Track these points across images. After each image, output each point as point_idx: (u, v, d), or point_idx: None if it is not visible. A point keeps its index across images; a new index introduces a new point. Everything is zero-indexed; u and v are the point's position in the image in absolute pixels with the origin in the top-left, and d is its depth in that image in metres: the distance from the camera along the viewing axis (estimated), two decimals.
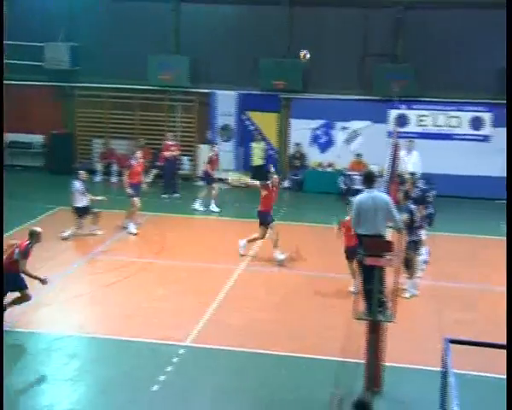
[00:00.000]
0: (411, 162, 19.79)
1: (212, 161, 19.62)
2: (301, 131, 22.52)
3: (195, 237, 16.87)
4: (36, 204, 18.55)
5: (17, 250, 11.25)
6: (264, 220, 15.12)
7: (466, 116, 21.71)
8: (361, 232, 9.34)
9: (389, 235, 9.70)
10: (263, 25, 22.59)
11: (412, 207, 12.93)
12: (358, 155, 21.45)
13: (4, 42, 21.76)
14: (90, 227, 16.35)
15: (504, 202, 20.38)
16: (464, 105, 21.69)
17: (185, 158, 22.98)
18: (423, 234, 13.42)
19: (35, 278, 11.44)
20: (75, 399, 9.47)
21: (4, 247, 11.34)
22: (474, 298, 13.18)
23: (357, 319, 9.92)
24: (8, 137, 22.84)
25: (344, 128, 22.39)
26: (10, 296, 11.43)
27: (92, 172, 21.57)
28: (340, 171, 21.81)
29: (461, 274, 14.48)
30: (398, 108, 21.55)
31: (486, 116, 21.50)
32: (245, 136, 22.99)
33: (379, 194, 9.49)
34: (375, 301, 9.06)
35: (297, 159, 22.53)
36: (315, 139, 22.61)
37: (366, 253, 8.97)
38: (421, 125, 21.91)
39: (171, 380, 9.83)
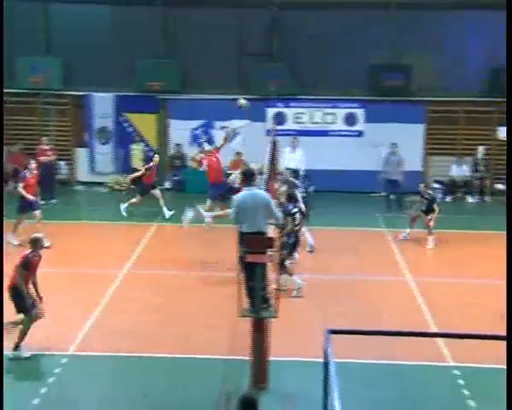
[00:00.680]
0: (295, 159, 20.20)
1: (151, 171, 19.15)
2: (181, 131, 22.42)
3: (76, 243, 16.38)
4: None
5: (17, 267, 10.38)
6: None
7: (341, 113, 22.39)
8: (242, 230, 9.39)
9: (270, 232, 9.83)
10: (138, 25, 22.34)
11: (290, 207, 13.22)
12: (238, 154, 21.60)
13: None
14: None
15: (378, 194, 21.38)
16: (339, 102, 22.36)
17: (62, 162, 22.29)
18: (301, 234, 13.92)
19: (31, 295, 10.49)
20: None
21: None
22: (353, 289, 13.58)
23: (242, 316, 10.01)
24: None
25: (223, 127, 22.48)
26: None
27: None
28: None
29: (342, 266, 14.89)
30: (276, 107, 21.89)
31: (359, 112, 22.27)
32: (124, 138, 22.62)
33: (258, 191, 9.58)
34: (258, 298, 9.14)
35: (177, 159, 22.41)
36: (195, 139, 22.58)
37: (248, 250, 9.04)
38: (298, 123, 22.39)
39: (53, 392, 9.51)
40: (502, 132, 22.22)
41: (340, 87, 22.21)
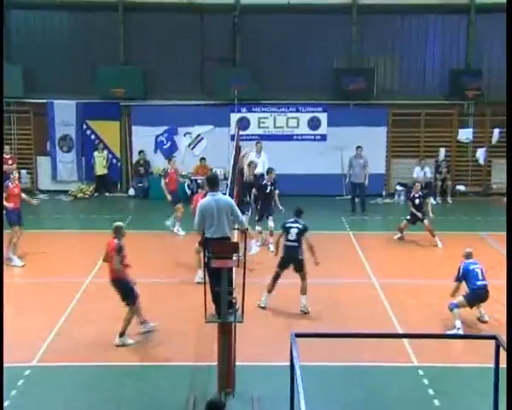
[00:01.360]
0: (260, 163, 20.22)
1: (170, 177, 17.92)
2: (144, 138, 22.30)
3: (39, 253, 16.15)
4: None
5: (113, 255, 11.20)
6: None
7: (304, 117, 22.50)
8: (207, 236, 9.36)
9: (235, 236, 9.82)
10: (99, 32, 22.20)
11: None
12: (202, 160, 21.58)
13: None
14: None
15: (342, 197, 21.51)
16: (302, 106, 22.47)
17: (23, 171, 21.97)
18: None
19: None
20: None
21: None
22: (318, 292, 13.61)
23: (208, 321, 9.97)
24: None
25: (187, 133, 22.44)
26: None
27: None
28: (185, 176, 21.79)
29: (307, 270, 14.92)
30: (240, 112, 21.91)
31: (322, 116, 22.40)
32: (86, 145, 22.43)
33: (222, 196, 9.55)
34: (224, 303, 9.11)
35: (141, 166, 22.29)
36: (159, 146, 22.48)
37: (213, 255, 9.01)
38: (262, 128, 22.44)
39: (16, 404, 9.33)
40: (462, 134, 22.58)
41: (303, 91, 22.35)
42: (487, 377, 7.27)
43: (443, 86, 22.66)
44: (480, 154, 22.53)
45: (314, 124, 22.51)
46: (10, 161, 20.29)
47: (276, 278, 12.56)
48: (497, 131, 21.91)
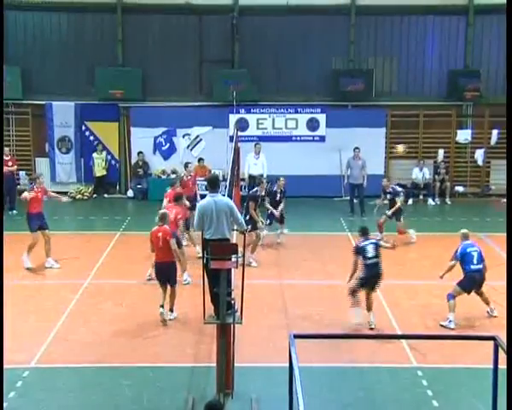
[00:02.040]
0: (259, 165, 20.28)
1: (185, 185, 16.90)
2: (143, 139, 22.31)
3: (37, 254, 16.12)
4: None
5: (170, 239, 12.09)
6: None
7: (303, 118, 22.50)
8: (206, 237, 9.36)
9: (234, 237, 9.83)
10: (97, 33, 22.22)
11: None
12: (201, 161, 21.57)
13: None
14: None
15: (341, 199, 21.54)
16: (301, 107, 22.47)
17: (22, 172, 21.97)
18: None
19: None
20: None
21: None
22: (317, 293, 13.64)
23: (207, 323, 9.98)
24: None
25: (186, 135, 22.45)
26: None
27: None
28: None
29: (306, 271, 14.94)
30: (238, 113, 21.92)
31: (321, 117, 22.41)
32: (85, 147, 22.42)
33: (221, 198, 9.57)
34: (222, 305, 9.11)
35: (140, 168, 22.29)
36: (157, 147, 22.48)
37: (211, 257, 9.01)
38: (260, 129, 22.44)
39: (15, 406, 9.32)
40: (460, 135, 22.60)
41: (301, 93, 22.36)
42: (486, 378, 7.28)
43: (441, 87, 22.68)
44: (479, 155, 22.55)
45: (313, 125, 22.51)
46: (10, 163, 20.29)
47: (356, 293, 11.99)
48: (495, 132, 21.92)
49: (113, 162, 22.59)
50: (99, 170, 22.20)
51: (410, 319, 12.13)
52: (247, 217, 15.01)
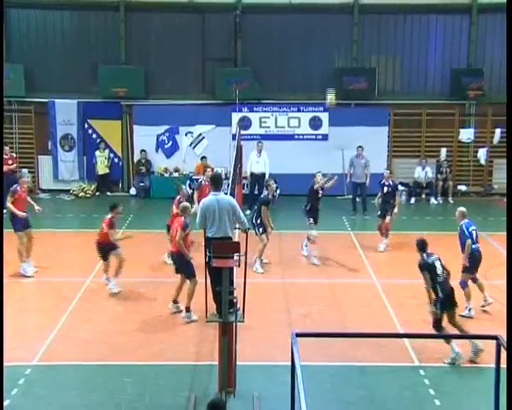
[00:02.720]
0: (261, 163, 20.28)
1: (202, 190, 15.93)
2: (146, 137, 22.31)
3: (40, 252, 16.12)
4: None
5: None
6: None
7: (305, 117, 22.48)
8: (209, 235, 9.36)
9: (236, 236, 9.83)
10: (100, 31, 22.22)
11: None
12: (203, 159, 21.58)
13: None
14: None
15: (344, 197, 21.52)
16: (303, 106, 22.45)
17: (25, 170, 21.97)
18: None
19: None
20: None
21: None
22: (319, 291, 13.64)
23: (209, 321, 9.98)
24: None
25: (188, 133, 22.45)
26: None
27: None
28: (186, 175, 21.83)
29: (308, 269, 14.94)
30: (241, 111, 21.90)
31: (324, 116, 22.39)
32: (88, 145, 22.43)
33: (224, 196, 9.57)
34: (225, 303, 9.12)
35: (143, 165, 22.29)
36: (160, 145, 22.48)
37: (214, 255, 9.01)
38: (263, 127, 22.43)
39: (18, 403, 9.34)
40: (463, 134, 22.57)
41: (304, 91, 22.34)
42: (488, 377, 7.28)
43: (444, 86, 22.65)
44: (482, 154, 22.51)
45: (315, 124, 22.49)
46: (10, 161, 20.28)
47: None
48: (498, 131, 21.90)
49: (115, 160, 22.59)
50: (101, 168, 22.21)
51: (412, 317, 12.11)
52: (259, 221, 14.62)
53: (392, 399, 9.60)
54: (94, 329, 11.74)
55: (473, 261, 11.93)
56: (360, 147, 20.49)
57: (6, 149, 20.51)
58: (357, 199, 20.24)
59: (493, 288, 12.57)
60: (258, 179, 20.29)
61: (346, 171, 21.03)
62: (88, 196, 21.98)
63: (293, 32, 22.37)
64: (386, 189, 16.48)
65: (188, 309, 11.92)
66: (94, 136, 22.48)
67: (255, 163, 20.51)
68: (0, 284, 10.19)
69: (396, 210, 16.24)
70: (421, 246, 10.90)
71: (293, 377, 6.55)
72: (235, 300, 9.26)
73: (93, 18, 22.28)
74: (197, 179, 21.00)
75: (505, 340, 6.66)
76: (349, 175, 20.60)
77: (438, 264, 10.65)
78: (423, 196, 22.24)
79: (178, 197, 14.50)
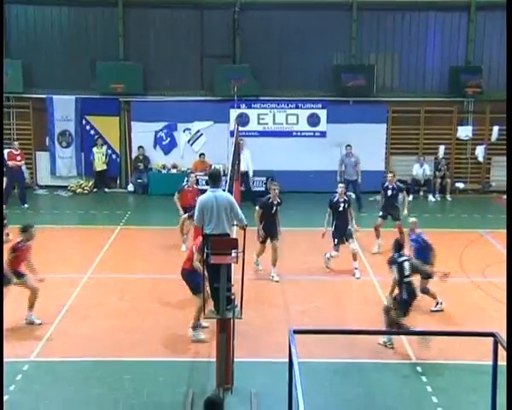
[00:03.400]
0: (243, 162, 20.11)
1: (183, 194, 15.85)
2: (144, 133, 22.29)
3: (38, 248, 16.08)
4: None
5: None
6: None
7: (304, 113, 22.47)
8: (206, 232, 9.37)
9: (234, 232, 9.83)
10: (98, 27, 22.19)
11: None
12: (201, 155, 21.55)
13: None
14: None
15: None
16: (301, 103, 22.44)
17: (23, 166, 21.95)
18: None
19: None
20: None
21: None
22: (317, 289, 13.65)
23: (207, 317, 9.98)
24: None
25: (186, 129, 22.44)
26: None
27: None
28: (184, 172, 21.80)
29: (306, 267, 14.95)
30: (239, 108, 21.89)
31: (322, 113, 22.38)
32: (86, 141, 22.40)
33: (222, 193, 9.57)
34: (222, 299, 9.13)
35: (141, 162, 22.27)
36: (158, 141, 22.47)
37: (212, 251, 9.02)
38: (261, 124, 22.42)
39: (15, 399, 9.35)
40: (461, 131, 22.58)
41: (302, 88, 22.34)
42: (485, 374, 7.29)
43: (443, 83, 22.65)
44: (480, 151, 22.54)
45: (313, 120, 22.48)
46: (19, 157, 20.34)
47: None
48: (496, 128, 21.90)
49: (113, 157, 22.56)
50: (99, 164, 22.18)
51: (410, 314, 12.11)
52: (262, 224, 14.02)
53: (390, 396, 9.62)
54: (92, 325, 11.75)
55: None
56: (349, 146, 20.61)
57: (16, 144, 20.53)
58: (352, 196, 20.17)
59: (492, 285, 12.59)
60: (242, 178, 19.91)
61: (337, 168, 21.05)
62: (85, 192, 21.97)
63: (291, 29, 22.34)
64: (390, 192, 16.00)
65: (195, 327, 11.16)
66: (92, 132, 22.45)
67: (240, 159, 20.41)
68: (0, 283, 10.14)
69: (406, 212, 15.66)
70: (397, 247, 11.08)
71: (291, 374, 6.56)
72: (232, 296, 9.27)
73: (91, 14, 22.24)
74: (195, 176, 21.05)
75: (502, 337, 6.68)
76: (340, 172, 20.70)
77: (407, 265, 10.81)
78: (421, 193, 22.26)
79: None
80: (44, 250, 15.74)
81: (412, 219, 12.76)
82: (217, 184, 9.63)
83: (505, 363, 6.22)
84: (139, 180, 22.14)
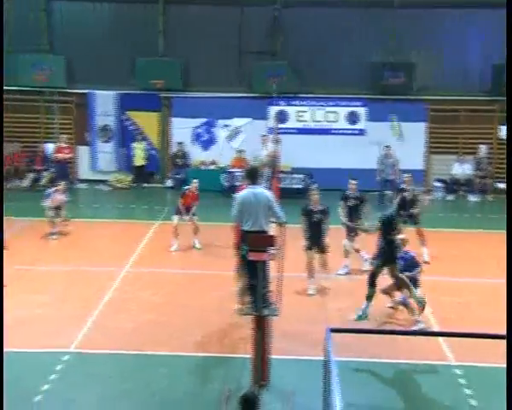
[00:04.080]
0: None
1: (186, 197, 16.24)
2: (183, 129, 22.45)
3: (78, 241, 16.43)
4: None
5: None
6: None
7: (343, 111, 22.38)
8: (244, 228, 9.41)
9: (272, 230, 9.83)
10: (139, 23, 22.37)
11: None
12: (240, 152, 21.63)
13: None
14: None
15: (375, 192, 21.34)
16: (341, 100, 22.36)
17: None
18: None
19: None
20: None
21: None
22: (355, 287, 13.58)
23: (243, 314, 10.02)
24: None
25: (225, 126, 22.52)
26: None
27: None
28: (222, 168, 21.91)
29: (352, 267, 14.89)
30: (278, 105, 21.89)
31: (361, 111, 22.26)
32: (125, 136, 22.66)
33: (261, 190, 9.59)
34: (259, 296, 9.15)
35: (179, 158, 22.43)
36: (197, 138, 22.60)
37: (249, 248, 9.06)
38: (300, 121, 22.39)
39: (55, 388, 9.52)
40: (503, 131, 22.23)
41: (341, 86, 22.23)
42: None
43: (484, 82, 22.31)
44: None
45: (352, 118, 22.38)
46: (67, 151, 20.78)
47: None
48: None
49: (152, 152, 22.77)
50: (138, 159, 22.42)
51: (449, 315, 12.00)
52: (305, 232, 13.37)
53: (426, 397, 9.54)
54: (130, 318, 11.88)
55: None
56: (387, 146, 20.52)
57: (64, 138, 20.97)
58: (387, 194, 20.05)
59: None
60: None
61: (377, 167, 20.95)
62: (125, 187, 22.21)
63: (331, 26, 22.25)
64: (351, 202, 14.44)
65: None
66: (131, 127, 22.69)
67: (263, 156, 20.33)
68: (0, 283, 10.25)
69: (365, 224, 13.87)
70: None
71: (327, 372, 6.56)
72: (269, 294, 9.29)
73: (132, 10, 22.46)
74: (231, 172, 21.17)
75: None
76: (379, 172, 20.61)
77: None
78: (461, 192, 21.99)
79: None
80: (84, 243, 16.07)
81: (402, 237, 12.39)
82: (255, 181, 9.65)
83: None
84: (177, 176, 22.29)
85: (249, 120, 22.37)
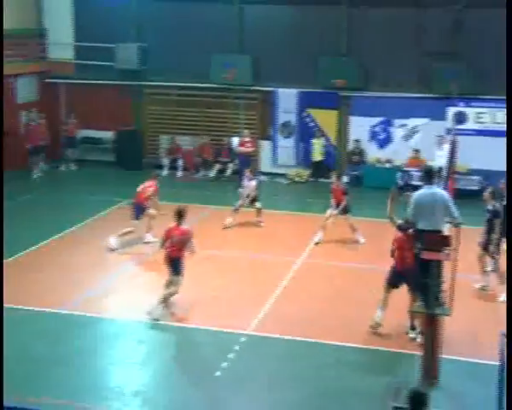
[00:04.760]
0: (441, 157, 19.64)
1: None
2: (360, 127, 22.69)
3: (256, 230, 17.21)
4: (105, 197, 19.41)
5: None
6: None
7: None
8: (420, 227, 9.58)
9: (447, 230, 9.89)
10: (322, 24, 22.81)
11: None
12: (416, 151, 21.50)
13: (79, 43, 22.98)
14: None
15: None
16: None
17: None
18: None
19: None
20: (143, 381, 10.03)
21: None
22: None
23: (413, 312, 10.17)
24: (81, 133, 23.89)
25: (402, 125, 22.48)
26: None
27: (159, 166, 22.56)
28: (398, 167, 21.91)
29: None
30: (457, 106, 21.48)
31: None
32: (305, 132, 23.30)
33: (438, 190, 9.71)
34: (431, 295, 9.27)
35: (356, 155, 22.73)
36: (374, 136, 22.77)
37: (424, 247, 9.22)
38: (479, 123, 21.83)
39: (233, 367, 10.23)
40: None
41: None
42: None
43: None
44: None
45: None
46: (249, 144, 22.00)
47: None
48: None
49: (330, 149, 23.24)
50: (317, 155, 22.95)
51: None
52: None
53: None
54: (302, 307, 12.37)
55: None
56: None
57: (246, 132, 22.17)
58: None
59: None
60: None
61: None
62: (302, 181, 22.87)
63: None
64: (488, 215, 13.24)
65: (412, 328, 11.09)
66: (311, 124, 23.29)
67: (437, 157, 19.84)
68: (0, 283, 10.61)
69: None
70: None
71: (502, 377, 6.47)
72: (442, 293, 9.39)
73: (315, 12, 22.86)
74: (407, 171, 21.08)
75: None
76: None
77: None
78: None
79: None
80: (263, 232, 16.86)
81: None
82: (431, 180, 9.79)
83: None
84: (353, 172, 22.59)
85: (426, 120, 22.15)
